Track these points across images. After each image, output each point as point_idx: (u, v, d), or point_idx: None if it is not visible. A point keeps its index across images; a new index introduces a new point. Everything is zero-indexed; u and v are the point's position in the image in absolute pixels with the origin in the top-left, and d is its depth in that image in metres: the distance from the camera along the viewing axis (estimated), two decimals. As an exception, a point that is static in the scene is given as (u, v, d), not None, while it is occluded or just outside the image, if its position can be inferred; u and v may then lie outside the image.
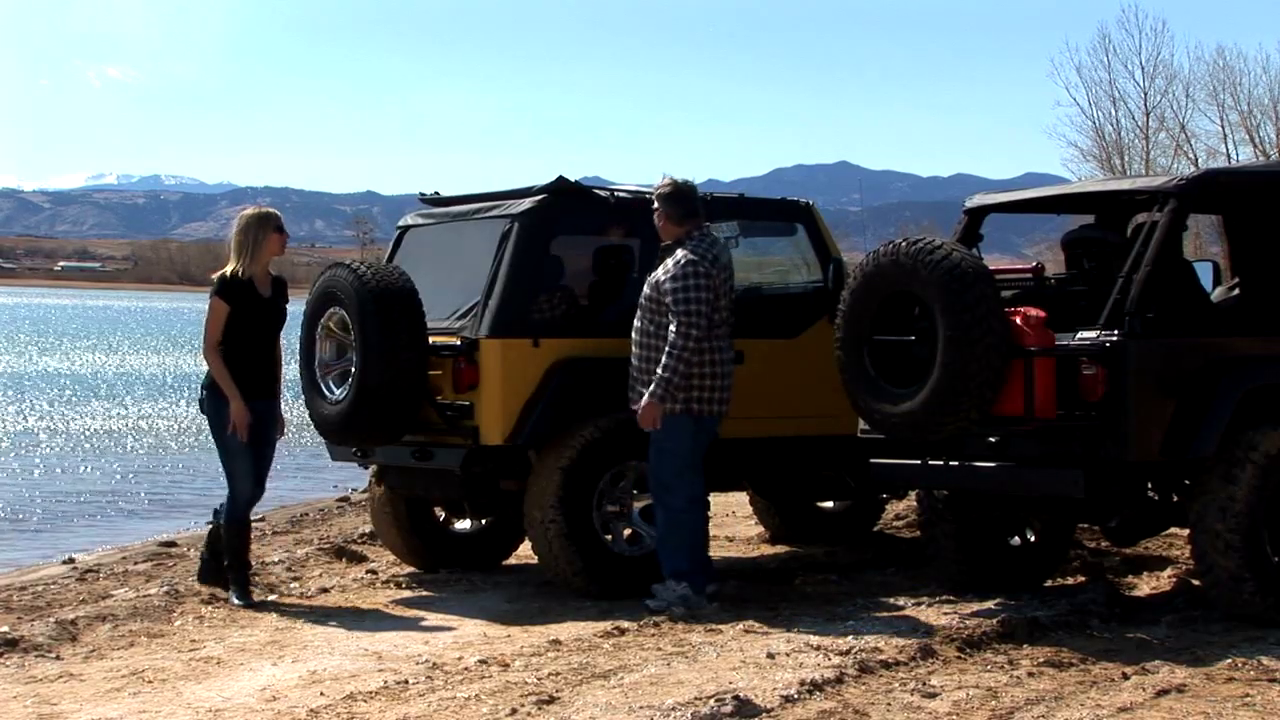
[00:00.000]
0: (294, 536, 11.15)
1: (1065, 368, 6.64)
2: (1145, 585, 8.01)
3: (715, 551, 8.40)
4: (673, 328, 7.17)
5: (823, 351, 7.60)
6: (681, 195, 7.44)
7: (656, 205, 7.48)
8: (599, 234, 8.29)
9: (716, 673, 5.92)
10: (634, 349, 7.45)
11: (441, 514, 8.92)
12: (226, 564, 7.85)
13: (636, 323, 7.46)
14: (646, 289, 7.43)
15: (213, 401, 7.83)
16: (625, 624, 6.87)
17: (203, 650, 6.72)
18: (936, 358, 6.66)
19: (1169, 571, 8.22)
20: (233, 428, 7.72)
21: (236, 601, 7.74)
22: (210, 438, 8.01)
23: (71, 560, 10.45)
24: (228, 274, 7.80)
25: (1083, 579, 8.08)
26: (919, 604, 7.37)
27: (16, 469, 17.34)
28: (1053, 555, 7.95)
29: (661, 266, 7.39)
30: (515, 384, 7.68)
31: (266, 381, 7.89)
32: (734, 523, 10.61)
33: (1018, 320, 6.67)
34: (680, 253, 7.31)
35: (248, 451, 7.81)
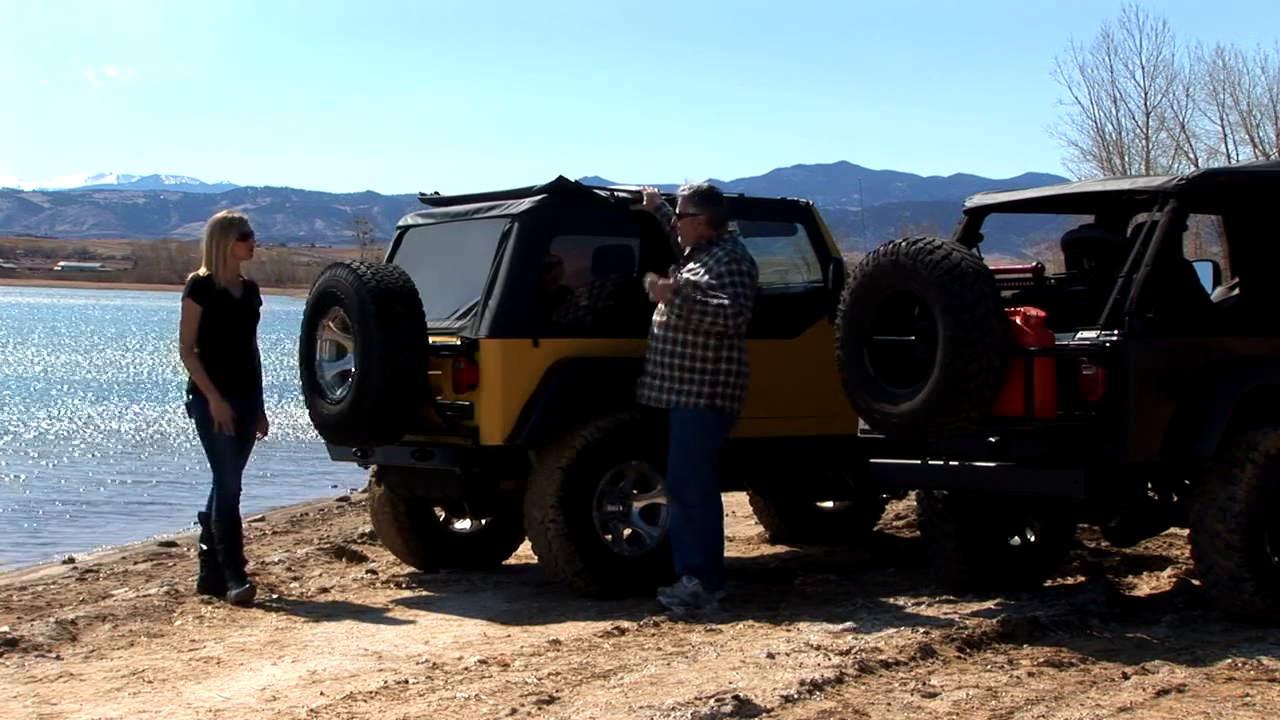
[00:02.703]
0: (294, 536, 11.16)
1: (1065, 368, 6.64)
2: (1145, 585, 8.01)
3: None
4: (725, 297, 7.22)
5: (823, 351, 7.60)
6: (720, 199, 7.57)
7: (695, 210, 7.49)
8: (599, 234, 8.30)
9: (716, 673, 5.92)
10: (654, 343, 7.46)
11: (441, 514, 8.93)
12: (221, 559, 7.87)
13: (659, 317, 7.46)
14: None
15: (197, 402, 7.93)
16: (625, 624, 6.88)
17: (203, 650, 6.72)
18: (936, 358, 6.66)
19: (1169, 571, 8.22)
20: (218, 425, 7.79)
21: (235, 590, 7.76)
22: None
23: (71, 560, 10.45)
24: (199, 276, 7.93)
25: (1083, 579, 8.07)
26: (919, 604, 7.37)
27: (16, 468, 17.33)
28: (1053, 555, 7.94)
29: (699, 263, 7.41)
30: (515, 384, 7.68)
31: (244, 378, 7.99)
32: (734, 523, 10.60)
33: (1018, 320, 6.67)
34: (721, 251, 7.38)
35: (234, 447, 7.92)
